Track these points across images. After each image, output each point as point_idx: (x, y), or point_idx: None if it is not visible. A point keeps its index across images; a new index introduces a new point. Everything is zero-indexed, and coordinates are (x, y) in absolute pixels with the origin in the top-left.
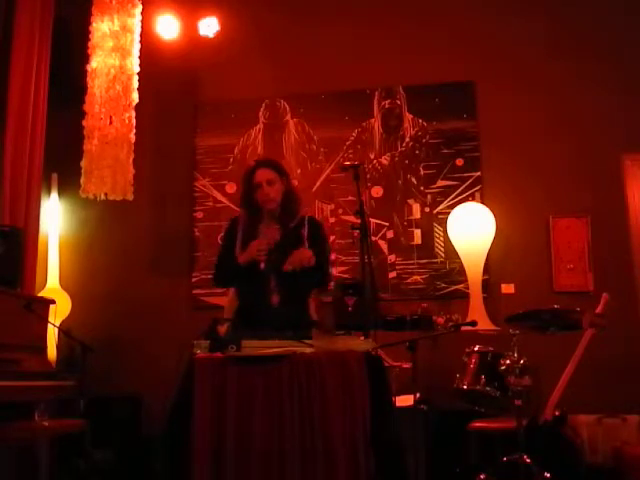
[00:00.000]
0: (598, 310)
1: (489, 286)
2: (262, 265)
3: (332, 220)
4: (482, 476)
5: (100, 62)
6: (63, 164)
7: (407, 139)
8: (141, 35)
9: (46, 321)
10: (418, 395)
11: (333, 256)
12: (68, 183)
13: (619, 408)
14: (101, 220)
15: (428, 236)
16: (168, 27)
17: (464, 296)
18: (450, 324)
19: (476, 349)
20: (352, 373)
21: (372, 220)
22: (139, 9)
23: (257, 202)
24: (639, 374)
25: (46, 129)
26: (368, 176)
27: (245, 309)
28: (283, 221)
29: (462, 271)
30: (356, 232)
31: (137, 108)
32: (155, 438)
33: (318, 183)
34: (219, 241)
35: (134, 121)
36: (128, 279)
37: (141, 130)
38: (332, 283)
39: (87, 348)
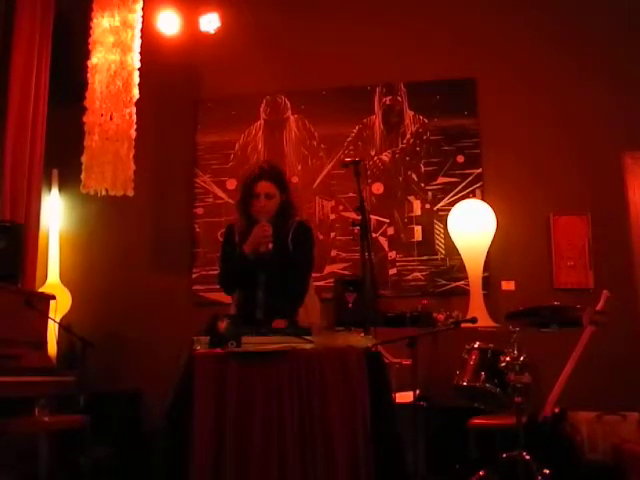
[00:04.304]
0: (598, 307)
1: (489, 283)
2: (270, 246)
3: (333, 217)
4: (482, 472)
5: (101, 58)
6: (64, 160)
7: (408, 136)
8: (142, 31)
9: (46, 317)
10: (418, 392)
11: (334, 252)
12: (69, 179)
13: (619, 405)
14: (101, 216)
15: (428, 233)
16: (169, 23)
17: (464, 293)
18: (450, 321)
19: (476, 346)
20: (352, 369)
21: (373, 217)
22: (140, 5)
23: (251, 210)
24: (639, 372)
25: (47, 125)
26: (369, 173)
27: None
28: (275, 227)
29: (462, 268)
30: (356, 229)
31: (138, 104)
32: (155, 434)
33: (319, 179)
34: (219, 237)
35: (134, 117)
36: (128, 275)
37: (142, 126)
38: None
39: (87, 344)
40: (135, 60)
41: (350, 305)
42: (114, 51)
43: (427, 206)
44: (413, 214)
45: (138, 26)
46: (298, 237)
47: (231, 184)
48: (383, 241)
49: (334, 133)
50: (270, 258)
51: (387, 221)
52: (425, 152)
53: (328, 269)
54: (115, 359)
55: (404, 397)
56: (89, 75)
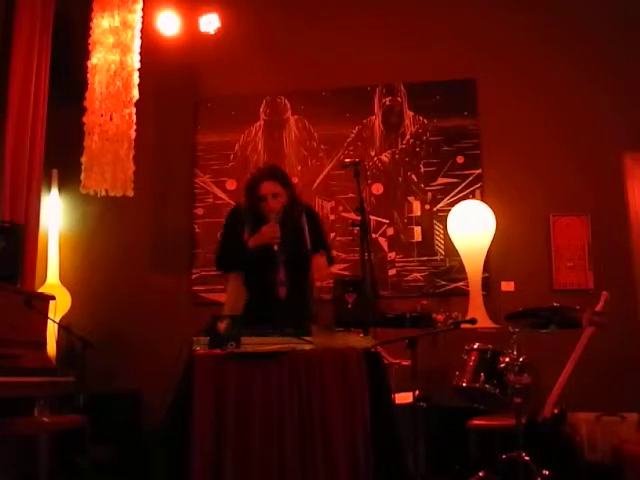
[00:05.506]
0: (598, 308)
1: (489, 284)
2: (276, 247)
3: (332, 217)
4: (481, 473)
5: (101, 58)
6: (63, 160)
7: (408, 136)
8: (142, 31)
9: (46, 317)
10: (417, 392)
11: (334, 253)
12: (68, 179)
13: (618, 406)
14: (101, 216)
15: (428, 233)
16: (169, 23)
17: (464, 294)
18: (450, 322)
19: (475, 347)
20: (352, 370)
21: (372, 217)
22: (140, 5)
23: (261, 212)
24: (638, 372)
25: (46, 125)
26: (368, 173)
27: (253, 302)
28: (284, 224)
29: (462, 269)
30: (356, 229)
31: (137, 104)
32: (155, 434)
33: (318, 180)
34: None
35: (134, 117)
36: (128, 275)
37: (141, 126)
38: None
39: (87, 344)
40: (135, 60)
41: (350, 306)
42: (114, 51)
43: (427, 207)
44: (413, 215)
45: (138, 26)
46: (309, 217)
47: (231, 184)
48: (383, 242)
49: (334, 134)
50: (287, 243)
51: (387, 222)
52: (425, 153)
53: None
54: (115, 359)
55: (404, 398)
56: (89, 75)
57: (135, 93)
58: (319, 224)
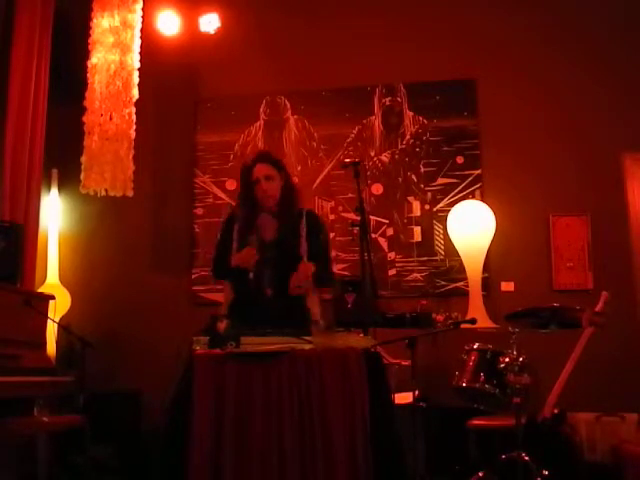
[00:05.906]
0: (597, 308)
1: (489, 284)
2: (251, 275)
3: (332, 217)
4: (481, 474)
5: (100, 58)
6: (63, 160)
7: (407, 136)
8: (142, 31)
9: (45, 317)
10: (417, 392)
11: (333, 253)
12: (68, 179)
13: (618, 406)
14: (101, 216)
15: (428, 234)
16: (169, 23)
17: (464, 294)
18: (449, 322)
19: (475, 347)
20: (351, 370)
21: (372, 217)
22: (140, 5)
23: (255, 198)
24: (638, 372)
25: (46, 125)
26: (368, 173)
27: (239, 301)
28: (281, 218)
29: (462, 269)
30: (356, 229)
31: (137, 104)
32: (155, 434)
33: (318, 180)
34: (218, 235)
35: (134, 117)
36: (128, 275)
37: (141, 126)
38: (334, 278)
39: (86, 344)
40: (135, 60)
41: (349, 306)
42: (114, 51)
43: (426, 207)
44: (412, 215)
45: (138, 26)
46: (312, 226)
47: (231, 184)
48: (382, 242)
49: (334, 134)
50: (279, 244)
51: (386, 222)
52: (425, 153)
53: None
54: (115, 359)
55: (403, 398)
56: (89, 75)
57: (135, 93)
58: (320, 236)
